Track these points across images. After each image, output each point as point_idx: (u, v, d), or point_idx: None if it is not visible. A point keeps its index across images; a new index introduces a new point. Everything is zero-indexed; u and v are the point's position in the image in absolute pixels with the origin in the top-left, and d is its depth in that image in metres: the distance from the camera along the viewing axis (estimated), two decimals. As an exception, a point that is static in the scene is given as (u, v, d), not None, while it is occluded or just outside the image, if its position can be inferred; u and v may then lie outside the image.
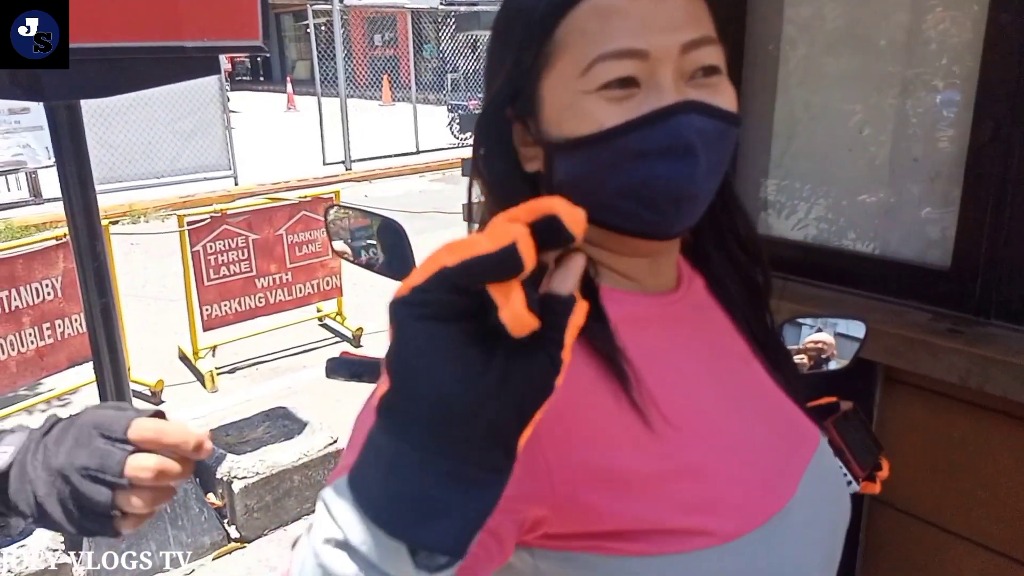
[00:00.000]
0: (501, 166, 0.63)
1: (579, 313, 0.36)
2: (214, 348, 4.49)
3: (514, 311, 0.33)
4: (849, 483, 0.88)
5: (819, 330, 1.09)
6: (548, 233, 0.34)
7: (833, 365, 1.06)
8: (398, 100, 17.77)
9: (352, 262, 1.23)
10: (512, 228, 0.33)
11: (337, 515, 0.38)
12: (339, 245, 1.23)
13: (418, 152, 12.01)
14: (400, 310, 0.35)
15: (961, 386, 1.18)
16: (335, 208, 1.24)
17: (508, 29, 0.62)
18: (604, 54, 0.55)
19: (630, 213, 0.59)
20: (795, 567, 0.63)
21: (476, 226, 0.67)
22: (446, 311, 0.34)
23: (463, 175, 2.16)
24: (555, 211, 0.34)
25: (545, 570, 0.60)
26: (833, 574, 0.69)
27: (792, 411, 0.71)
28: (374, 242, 1.32)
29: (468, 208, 0.69)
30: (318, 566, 0.38)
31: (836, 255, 1.47)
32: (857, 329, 1.07)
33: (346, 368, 1.17)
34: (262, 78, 27.11)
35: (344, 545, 0.37)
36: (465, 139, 13.13)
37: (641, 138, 0.55)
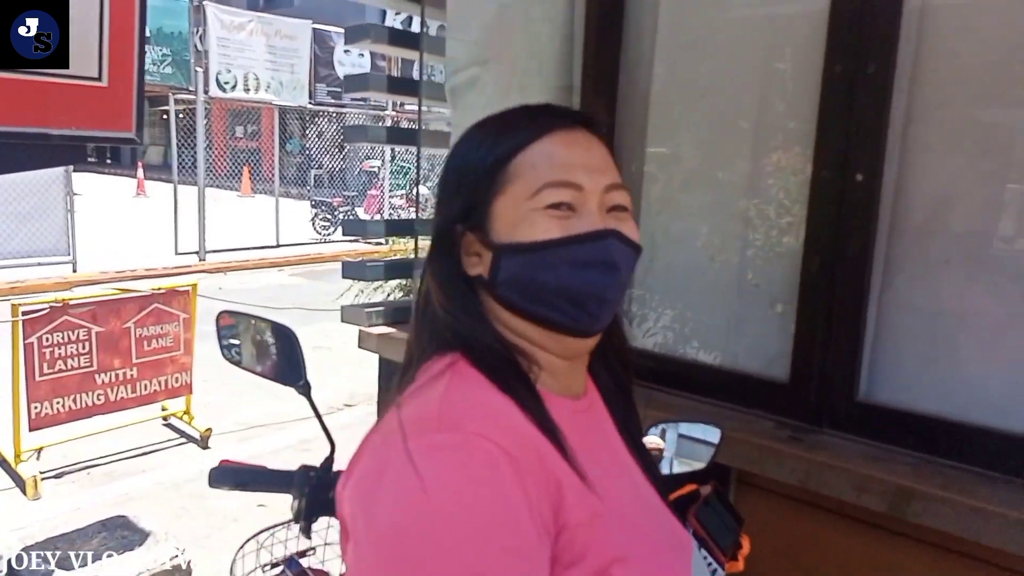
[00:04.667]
0: (447, 268, 0.77)
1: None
2: (39, 450, 4.06)
3: None
4: (715, 571, 0.97)
5: (663, 434, 1.22)
6: None
7: (676, 467, 1.18)
8: (258, 192, 17.46)
9: (241, 367, 1.23)
10: None
11: None
12: (227, 352, 1.23)
13: (278, 246, 11.78)
14: None
15: (801, 488, 1.32)
16: (227, 313, 1.24)
17: (462, 173, 0.77)
18: (551, 182, 0.72)
19: (560, 309, 0.73)
20: None
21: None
22: None
23: (344, 277, 2.18)
24: None
25: None
26: None
27: (670, 517, 0.82)
28: (237, 342, 1.33)
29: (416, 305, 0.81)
30: None
31: (693, 367, 1.62)
32: (713, 435, 1.20)
33: (230, 477, 1.14)
34: (109, 161, 25.82)
35: None
36: (328, 235, 13.06)
37: (577, 250, 0.71)
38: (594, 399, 0.83)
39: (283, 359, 1.21)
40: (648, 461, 0.87)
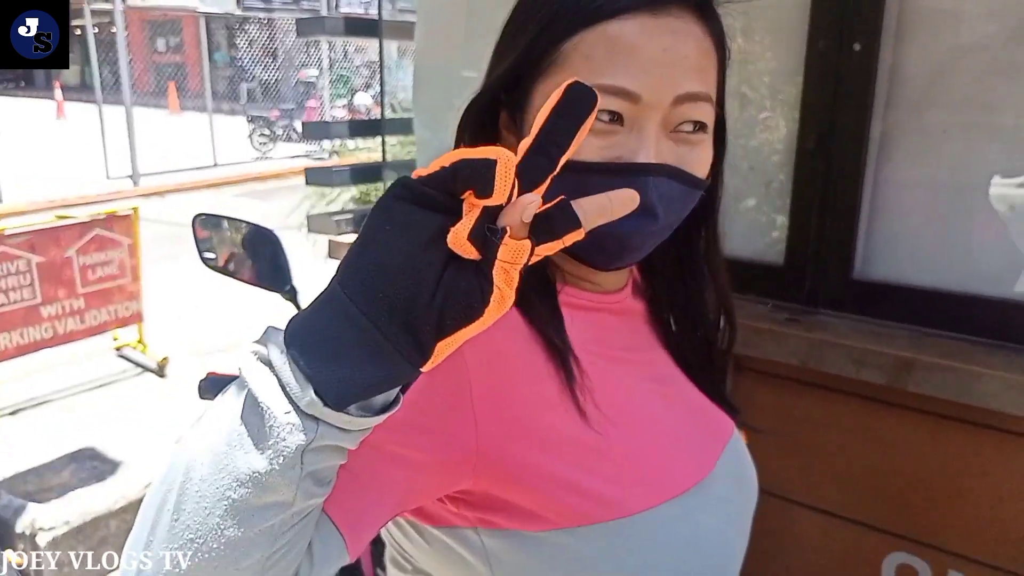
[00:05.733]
0: (483, 140, 0.66)
1: (513, 247, 0.39)
2: (-10, 387, 3.92)
3: (456, 230, 0.38)
4: None
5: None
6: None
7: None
8: (186, 109, 16.62)
9: (222, 272, 1.15)
10: (501, 150, 0.38)
11: (270, 336, 0.42)
12: (206, 258, 1.14)
13: (216, 166, 11.30)
14: (396, 189, 0.39)
15: (801, 367, 1.32)
16: (202, 216, 1.15)
17: (535, 5, 0.63)
18: (598, 85, 0.52)
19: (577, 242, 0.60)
20: (716, 534, 0.68)
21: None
22: (428, 203, 0.39)
23: (308, 183, 2.07)
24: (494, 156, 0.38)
25: (491, 547, 0.62)
26: (745, 545, 0.76)
27: (707, 404, 0.78)
28: (216, 248, 1.24)
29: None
30: (241, 376, 0.42)
31: (683, 256, 1.59)
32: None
33: (222, 388, 1.08)
34: (23, 83, 24.12)
35: (265, 361, 0.41)
36: (269, 151, 12.57)
37: (608, 184, 0.50)
38: (635, 289, 0.76)
39: (267, 264, 1.14)
40: (692, 361, 0.79)
